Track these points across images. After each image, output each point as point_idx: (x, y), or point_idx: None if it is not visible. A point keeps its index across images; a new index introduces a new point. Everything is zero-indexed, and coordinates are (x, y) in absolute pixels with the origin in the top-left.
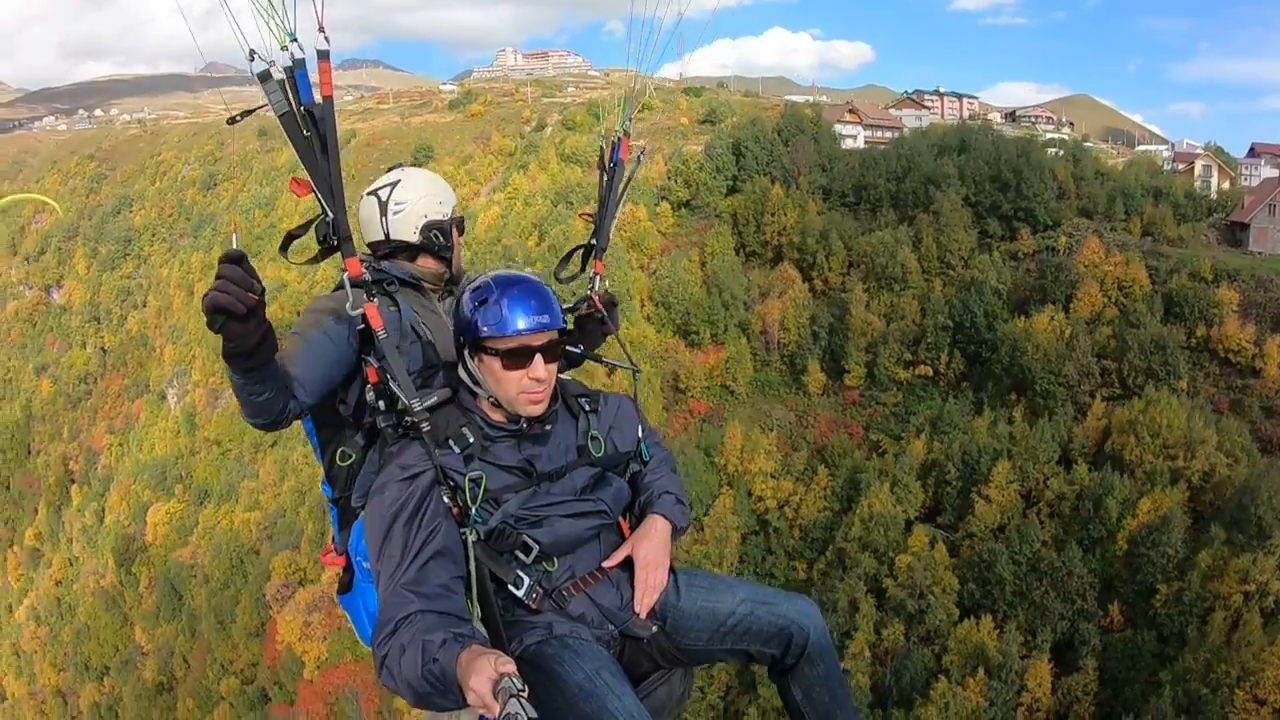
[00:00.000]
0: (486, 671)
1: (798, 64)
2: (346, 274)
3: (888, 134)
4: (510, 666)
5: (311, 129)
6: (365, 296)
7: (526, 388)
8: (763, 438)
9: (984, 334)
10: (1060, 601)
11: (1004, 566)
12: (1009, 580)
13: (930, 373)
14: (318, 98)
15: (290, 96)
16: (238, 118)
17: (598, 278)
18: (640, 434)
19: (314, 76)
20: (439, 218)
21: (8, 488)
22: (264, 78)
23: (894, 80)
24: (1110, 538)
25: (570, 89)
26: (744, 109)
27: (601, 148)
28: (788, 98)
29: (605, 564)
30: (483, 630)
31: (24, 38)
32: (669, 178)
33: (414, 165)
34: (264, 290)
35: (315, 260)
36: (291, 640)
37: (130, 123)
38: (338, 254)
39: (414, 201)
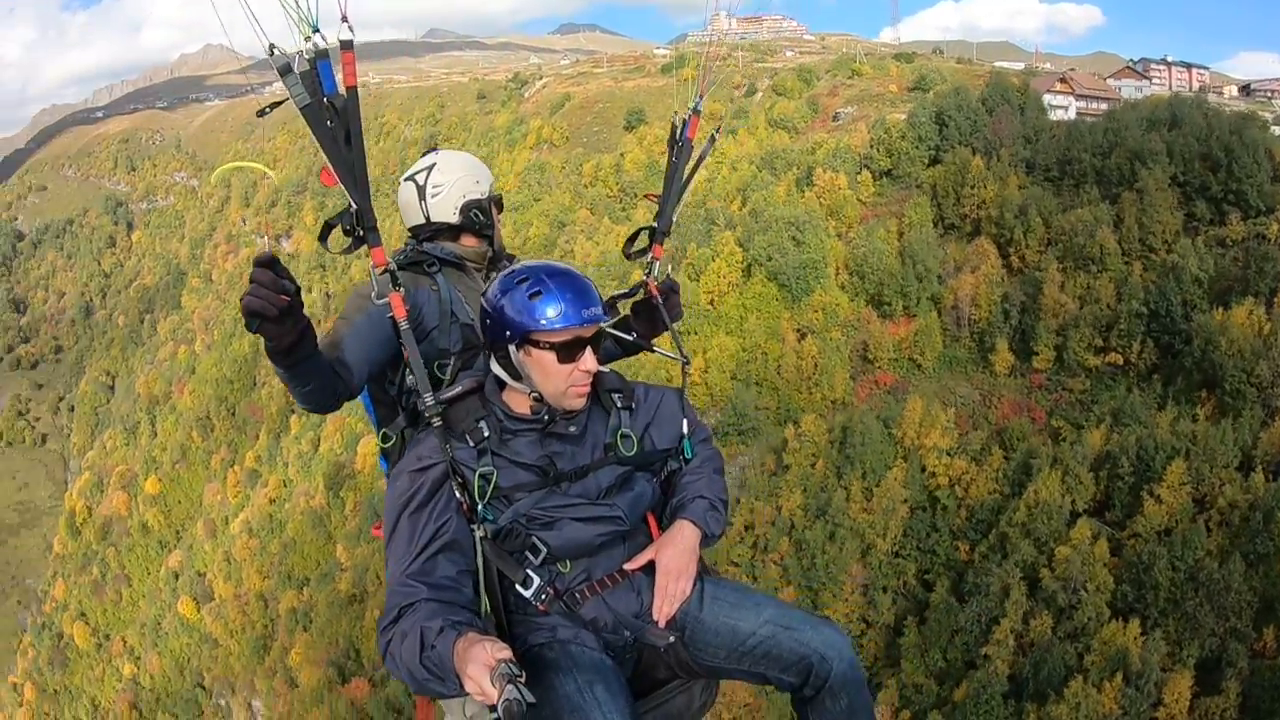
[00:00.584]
0: (483, 658)
1: (1023, 27)
2: (372, 264)
3: (1102, 106)
4: (506, 653)
5: (335, 119)
6: (391, 285)
7: (577, 380)
8: (941, 413)
9: (1180, 324)
10: (1213, 616)
11: (1161, 571)
12: (1164, 586)
13: (1121, 361)
14: (342, 89)
15: (312, 88)
16: (267, 110)
17: (656, 263)
18: (685, 430)
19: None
20: (477, 196)
21: (233, 414)
22: (284, 71)
23: (1124, 47)
24: (1278, 555)
25: (787, 53)
26: (955, 76)
27: (673, 125)
28: (998, 64)
29: (626, 566)
30: (488, 622)
31: (254, 6)
32: (871, 146)
33: (602, 132)
34: (298, 289)
35: (349, 250)
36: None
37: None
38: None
39: (451, 183)
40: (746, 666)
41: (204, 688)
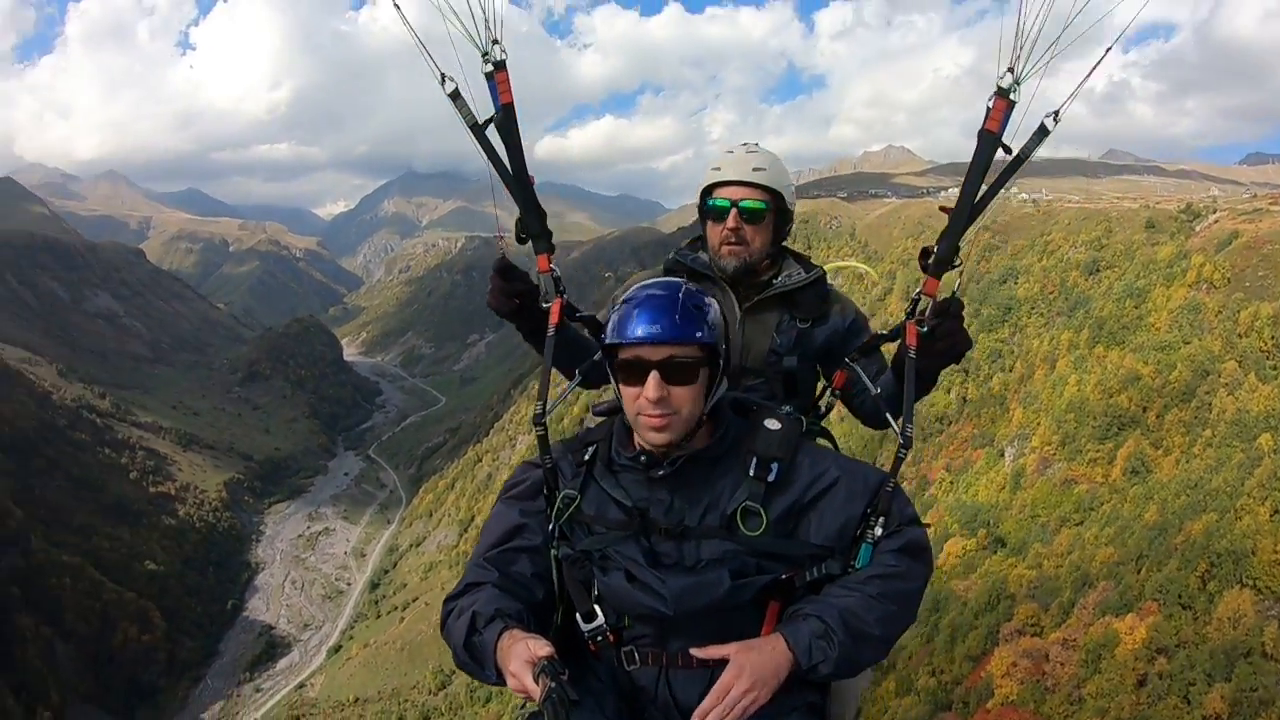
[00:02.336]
0: (525, 655)
1: None
2: (537, 268)
3: None
4: (548, 649)
5: (508, 133)
6: (554, 292)
7: (642, 409)
8: None
9: None
10: None
11: None
12: None
13: None
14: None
15: (473, 110)
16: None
17: (920, 300)
18: (860, 531)
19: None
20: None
21: None
22: (454, 96)
23: None
24: None
25: None
26: None
27: (986, 107)
28: None
29: (694, 651)
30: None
31: (935, 116)
32: None
33: (1268, 277)
34: (531, 290)
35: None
36: (996, 673)
37: (1026, 201)
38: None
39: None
40: None
41: None
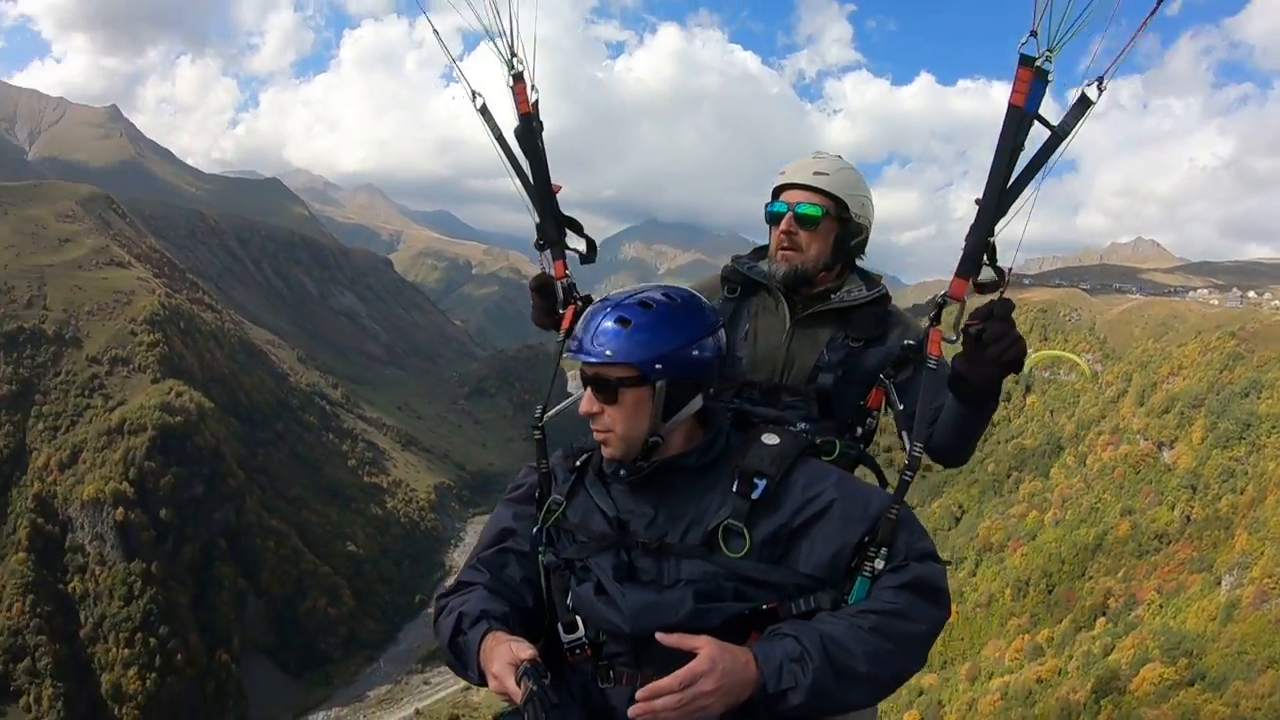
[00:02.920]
0: (507, 657)
1: None
2: (553, 274)
3: None
4: (531, 652)
5: (528, 143)
6: (568, 299)
7: (593, 423)
8: None
9: None
10: None
11: None
12: None
13: None
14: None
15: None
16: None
17: (946, 305)
18: (857, 560)
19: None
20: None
21: (1049, 590)
22: (482, 111)
23: None
24: None
25: None
26: None
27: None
28: None
29: (661, 638)
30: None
31: (1189, 211)
32: None
33: None
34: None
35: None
36: None
37: (1278, 309)
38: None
39: None
40: None
41: None
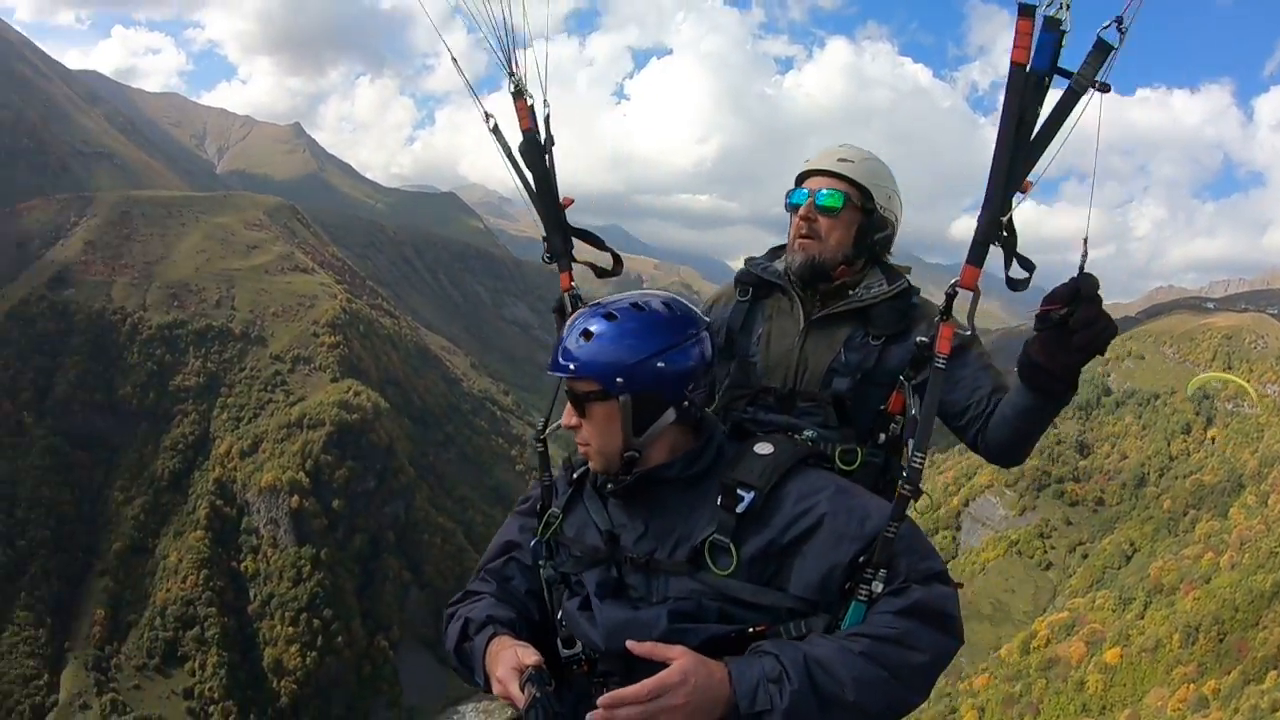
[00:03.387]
0: (511, 662)
1: None
2: (561, 287)
3: None
4: (536, 658)
5: (535, 160)
6: (572, 308)
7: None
8: None
9: None
10: None
11: None
12: None
13: None
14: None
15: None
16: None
17: (958, 295)
18: (851, 583)
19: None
20: None
21: (1220, 639)
22: (494, 131)
23: None
24: None
25: None
26: None
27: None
28: None
29: (631, 645)
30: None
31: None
32: None
33: None
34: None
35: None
36: None
37: None
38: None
39: None
40: None
41: None
